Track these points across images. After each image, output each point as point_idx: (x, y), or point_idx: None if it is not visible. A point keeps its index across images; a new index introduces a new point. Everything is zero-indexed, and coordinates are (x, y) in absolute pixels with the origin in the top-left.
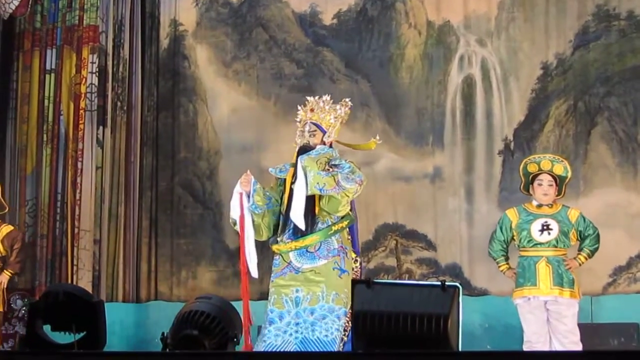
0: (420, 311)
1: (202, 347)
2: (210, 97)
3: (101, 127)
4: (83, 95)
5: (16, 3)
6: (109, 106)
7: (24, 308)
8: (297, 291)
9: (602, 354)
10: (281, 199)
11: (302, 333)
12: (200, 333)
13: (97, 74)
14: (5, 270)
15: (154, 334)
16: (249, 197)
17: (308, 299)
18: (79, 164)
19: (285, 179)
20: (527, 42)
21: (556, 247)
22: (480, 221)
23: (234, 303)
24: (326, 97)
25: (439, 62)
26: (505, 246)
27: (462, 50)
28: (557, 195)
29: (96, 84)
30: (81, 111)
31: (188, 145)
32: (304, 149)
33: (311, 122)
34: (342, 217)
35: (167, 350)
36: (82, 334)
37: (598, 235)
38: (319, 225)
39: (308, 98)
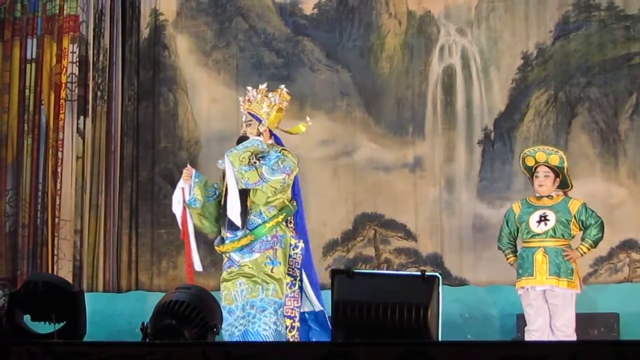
0: (401, 301)
1: (181, 336)
2: (191, 86)
3: (82, 117)
4: (64, 85)
5: None
6: (89, 96)
7: (3, 298)
8: (240, 284)
9: (595, 343)
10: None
11: (244, 325)
12: (179, 323)
13: (77, 63)
14: None
15: (135, 324)
16: (190, 190)
17: (250, 290)
18: (60, 154)
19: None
20: (508, 31)
21: (555, 237)
22: (460, 211)
23: (213, 293)
24: (262, 87)
25: (420, 52)
26: (512, 239)
27: (442, 40)
28: (563, 187)
29: (77, 73)
30: (62, 101)
31: (168, 135)
32: (241, 140)
33: (248, 112)
34: (279, 210)
35: (147, 340)
36: (62, 324)
37: (601, 224)
38: (254, 217)
39: (248, 88)
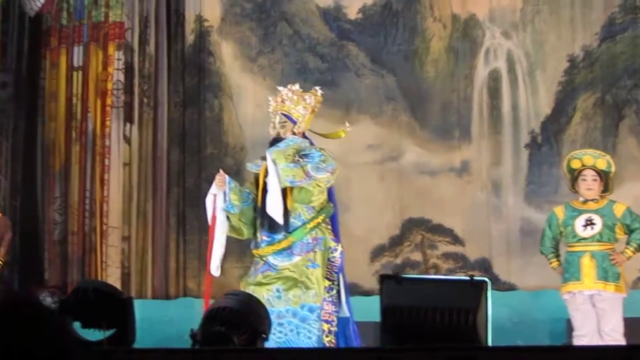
0: (449, 306)
1: (230, 343)
2: (236, 92)
3: (128, 124)
4: (110, 92)
5: (42, 1)
6: (135, 103)
7: (53, 305)
8: (277, 290)
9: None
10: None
11: (286, 335)
12: (227, 329)
13: (123, 70)
14: None
15: (184, 331)
16: (225, 196)
17: (290, 299)
18: (107, 161)
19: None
20: (553, 34)
21: (600, 241)
22: (508, 215)
23: None
24: (295, 87)
25: (465, 55)
26: (554, 243)
27: (487, 43)
28: (604, 191)
29: (122, 80)
30: (108, 108)
31: (214, 141)
32: (276, 141)
33: (281, 113)
34: (319, 211)
35: (196, 346)
36: (111, 331)
37: None
38: (293, 220)
39: (279, 88)
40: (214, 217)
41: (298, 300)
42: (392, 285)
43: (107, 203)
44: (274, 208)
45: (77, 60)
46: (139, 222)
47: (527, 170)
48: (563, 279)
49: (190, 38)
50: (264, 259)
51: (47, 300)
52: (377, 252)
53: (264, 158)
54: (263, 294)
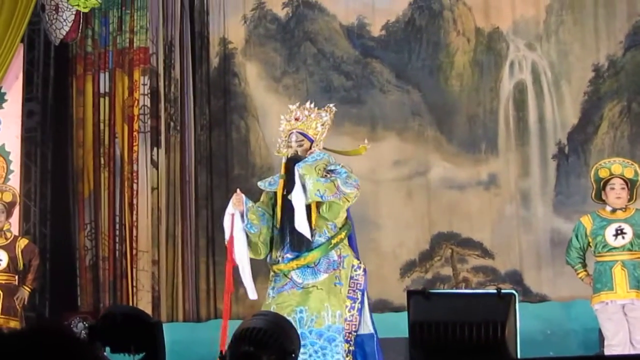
0: (478, 320)
1: None
2: (261, 113)
3: (155, 148)
4: (136, 117)
5: (67, 29)
6: (162, 127)
7: (84, 331)
8: (300, 311)
9: None
10: (273, 212)
11: (310, 356)
12: (257, 349)
13: (149, 95)
14: (24, 286)
15: (216, 352)
16: (242, 216)
17: (313, 319)
18: (135, 186)
19: (275, 192)
20: (577, 44)
21: (631, 250)
22: (537, 226)
23: None
24: (310, 105)
25: (490, 68)
26: (582, 253)
27: (512, 55)
28: (629, 200)
29: (149, 105)
30: (135, 133)
31: (241, 162)
32: (295, 160)
33: (297, 132)
34: (340, 228)
35: None
36: (141, 355)
37: None
38: (317, 237)
39: (290, 107)
40: (231, 238)
41: (323, 321)
42: (420, 300)
43: (136, 228)
44: (302, 224)
45: (103, 86)
46: (169, 245)
47: (555, 180)
48: (594, 289)
49: (214, 61)
50: (288, 275)
51: (80, 326)
52: (407, 268)
53: (282, 176)
54: (285, 314)
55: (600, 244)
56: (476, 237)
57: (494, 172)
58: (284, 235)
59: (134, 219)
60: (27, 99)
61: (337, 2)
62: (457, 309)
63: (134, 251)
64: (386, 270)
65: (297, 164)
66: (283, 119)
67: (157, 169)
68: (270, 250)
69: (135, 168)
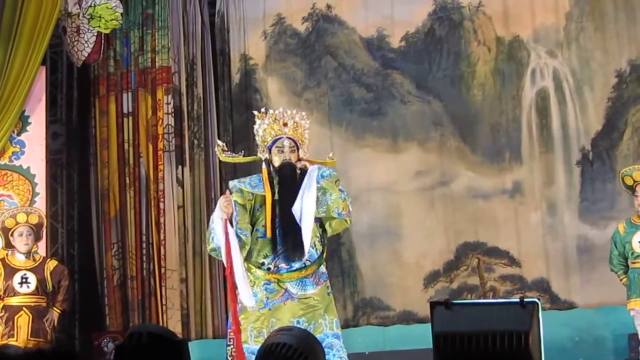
0: (501, 329)
1: None
2: None
3: (180, 167)
4: (160, 136)
5: (88, 50)
6: (186, 145)
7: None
8: (298, 322)
9: None
10: (254, 216)
11: None
12: None
13: (172, 114)
14: (54, 307)
15: None
16: (230, 220)
17: (312, 328)
18: (161, 205)
19: (260, 196)
20: (599, 50)
21: None
22: (564, 233)
23: None
24: (290, 111)
25: (511, 77)
26: (622, 259)
27: (533, 63)
28: None
29: (172, 124)
30: (160, 152)
31: None
32: (291, 167)
33: (288, 138)
34: (325, 242)
35: None
36: None
37: None
38: (311, 249)
39: (271, 110)
40: (228, 244)
41: (321, 329)
42: (442, 311)
43: (164, 246)
44: (308, 237)
45: (127, 106)
46: (196, 263)
47: (580, 187)
48: (627, 295)
49: (236, 77)
50: (284, 286)
51: (110, 346)
52: (431, 278)
53: (262, 178)
54: (284, 323)
55: (629, 251)
56: (502, 245)
57: (519, 180)
58: (275, 243)
59: (161, 237)
60: (51, 121)
61: (357, 15)
62: (480, 319)
63: (162, 270)
64: (410, 281)
65: (315, 175)
66: (264, 123)
67: (183, 187)
68: (248, 257)
69: (161, 187)
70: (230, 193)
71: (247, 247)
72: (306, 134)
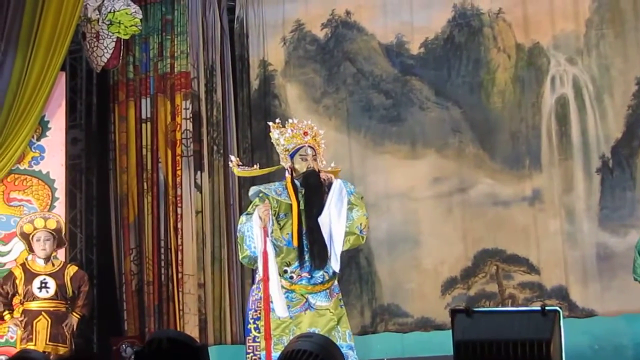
0: (522, 337)
1: None
2: None
3: (199, 172)
4: (179, 142)
5: (108, 56)
6: (205, 151)
7: (132, 356)
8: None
9: None
10: (278, 224)
11: None
12: None
13: (191, 119)
14: (74, 313)
15: None
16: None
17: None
18: (179, 210)
19: (286, 204)
20: (619, 57)
21: None
22: (583, 241)
23: None
24: (308, 122)
25: (531, 84)
26: None
27: (553, 70)
28: None
29: (191, 129)
30: (178, 157)
31: None
32: (315, 175)
33: (309, 146)
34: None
35: None
36: None
37: None
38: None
39: (290, 120)
40: (265, 253)
41: (335, 340)
42: (463, 319)
43: (181, 251)
44: (340, 251)
45: (146, 112)
46: (214, 268)
47: (600, 195)
48: None
49: (255, 83)
50: (305, 296)
51: (129, 351)
52: (448, 285)
53: (288, 187)
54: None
55: None
56: (521, 253)
57: (538, 188)
58: (301, 251)
59: (179, 242)
60: (70, 126)
61: (376, 22)
62: (501, 327)
63: (180, 275)
64: (427, 287)
65: (345, 190)
66: (287, 132)
67: (201, 192)
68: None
69: (179, 192)
70: (263, 200)
71: (281, 256)
72: (322, 142)
